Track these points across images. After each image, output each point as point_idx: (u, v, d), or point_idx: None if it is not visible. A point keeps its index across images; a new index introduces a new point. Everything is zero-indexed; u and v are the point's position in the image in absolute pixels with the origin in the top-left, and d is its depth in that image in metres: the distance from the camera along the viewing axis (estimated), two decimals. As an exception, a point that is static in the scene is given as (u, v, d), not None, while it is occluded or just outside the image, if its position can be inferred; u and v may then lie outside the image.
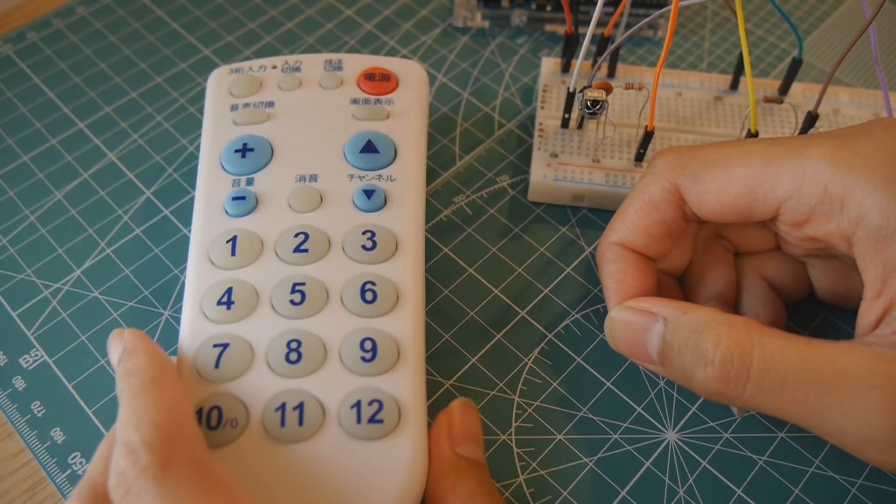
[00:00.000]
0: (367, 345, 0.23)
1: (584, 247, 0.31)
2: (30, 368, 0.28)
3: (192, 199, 0.32)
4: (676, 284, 0.28)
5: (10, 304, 0.30)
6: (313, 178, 0.27)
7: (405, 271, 0.25)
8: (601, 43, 0.33)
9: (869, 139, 0.22)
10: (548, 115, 0.33)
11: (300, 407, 0.22)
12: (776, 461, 0.26)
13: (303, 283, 0.25)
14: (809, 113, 0.30)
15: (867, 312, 0.22)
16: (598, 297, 0.30)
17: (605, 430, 0.27)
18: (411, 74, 0.30)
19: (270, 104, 0.29)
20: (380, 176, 0.27)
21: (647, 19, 0.29)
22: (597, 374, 0.28)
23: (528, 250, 0.31)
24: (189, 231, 0.31)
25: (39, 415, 0.27)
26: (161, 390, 0.21)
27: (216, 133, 0.29)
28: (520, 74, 0.37)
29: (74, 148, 0.34)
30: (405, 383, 0.23)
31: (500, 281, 0.30)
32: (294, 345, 0.23)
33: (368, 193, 0.27)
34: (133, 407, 0.20)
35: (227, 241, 0.25)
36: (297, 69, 0.30)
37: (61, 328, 0.29)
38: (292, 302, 0.24)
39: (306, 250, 0.25)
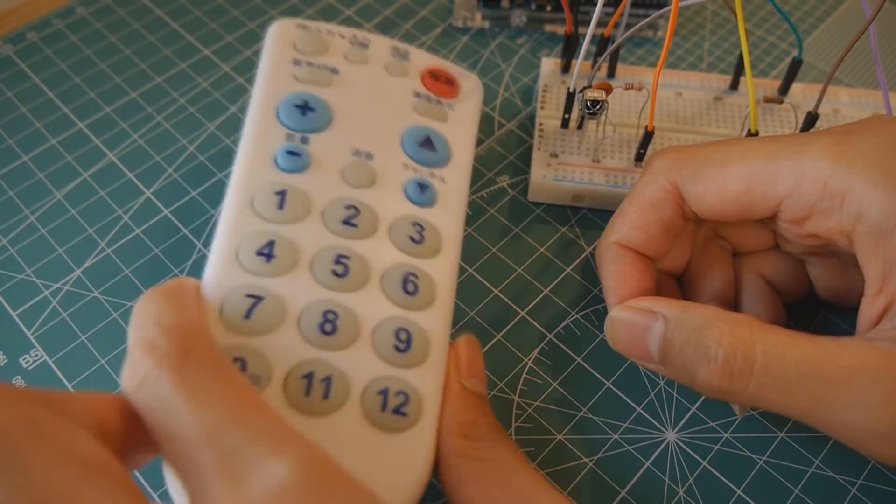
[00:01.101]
0: (403, 335, 0.23)
1: (584, 247, 0.31)
2: (30, 368, 0.28)
3: (193, 199, 0.32)
4: (675, 285, 0.28)
5: (10, 304, 0.29)
6: (369, 155, 0.26)
7: (445, 272, 0.25)
8: (601, 43, 0.33)
9: (867, 135, 0.22)
10: (548, 115, 0.33)
11: (328, 380, 0.21)
12: (776, 461, 0.26)
13: (348, 257, 0.24)
14: (809, 113, 0.30)
15: (868, 308, 0.22)
16: (598, 297, 0.30)
17: (605, 430, 0.27)
18: (471, 85, 0.30)
19: (335, 70, 0.28)
20: (433, 174, 0.27)
21: (647, 19, 0.29)
22: (597, 374, 0.28)
23: (528, 250, 0.31)
24: (189, 230, 0.31)
25: (39, 414, 0.27)
26: (179, 298, 0.20)
27: (275, 84, 0.27)
28: (520, 74, 0.37)
29: (74, 148, 0.34)
30: (431, 381, 0.23)
31: (500, 281, 0.30)
32: (331, 316, 0.22)
33: (423, 188, 0.26)
34: (148, 309, 0.19)
35: (276, 193, 0.24)
36: (365, 46, 0.29)
37: (61, 328, 0.29)
38: (335, 273, 0.23)
39: (355, 225, 0.24)
